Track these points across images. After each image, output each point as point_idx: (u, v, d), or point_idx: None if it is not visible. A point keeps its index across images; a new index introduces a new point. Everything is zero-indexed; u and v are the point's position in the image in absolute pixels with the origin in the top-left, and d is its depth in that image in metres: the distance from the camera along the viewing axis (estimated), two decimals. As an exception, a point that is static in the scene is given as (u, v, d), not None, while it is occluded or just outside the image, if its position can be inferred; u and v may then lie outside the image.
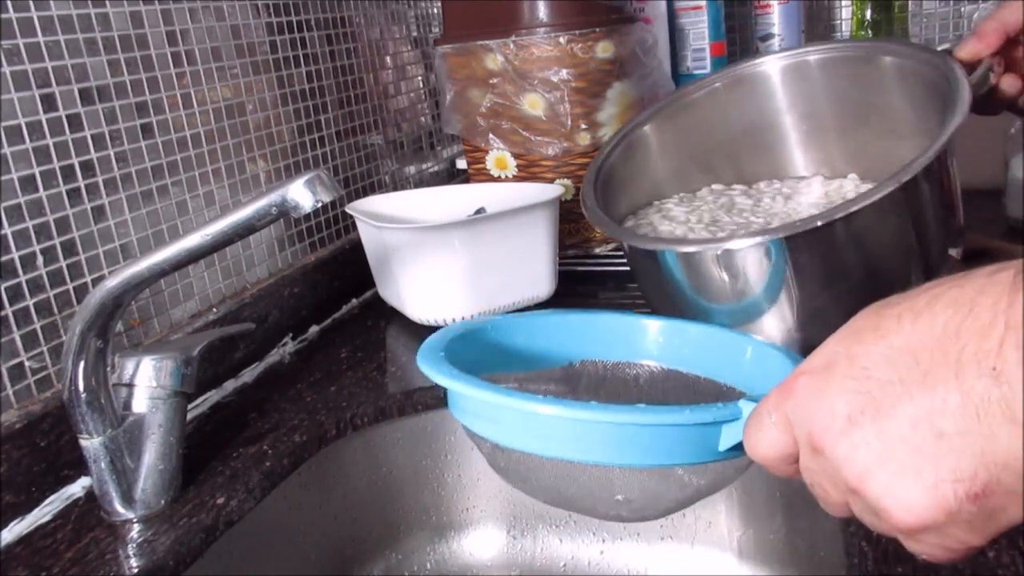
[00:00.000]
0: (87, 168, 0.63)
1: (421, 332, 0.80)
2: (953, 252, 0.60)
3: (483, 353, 0.48)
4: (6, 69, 0.57)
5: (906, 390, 0.26)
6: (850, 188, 0.71)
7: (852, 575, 0.45)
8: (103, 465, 0.53)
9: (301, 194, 0.49)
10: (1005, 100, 0.63)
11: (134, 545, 0.52)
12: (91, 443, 0.52)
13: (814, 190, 0.72)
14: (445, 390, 0.43)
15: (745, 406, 0.36)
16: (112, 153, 0.65)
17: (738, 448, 0.36)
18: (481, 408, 0.41)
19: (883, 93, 0.68)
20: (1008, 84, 0.62)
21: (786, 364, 0.43)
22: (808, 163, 0.78)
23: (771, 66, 0.75)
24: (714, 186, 0.78)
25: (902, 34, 1.10)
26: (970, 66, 0.59)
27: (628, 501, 0.40)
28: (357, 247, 0.87)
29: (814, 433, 0.29)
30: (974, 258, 0.80)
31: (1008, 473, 0.25)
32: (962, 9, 1.14)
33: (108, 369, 0.52)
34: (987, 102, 0.61)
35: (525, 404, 0.38)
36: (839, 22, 1.20)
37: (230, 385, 0.73)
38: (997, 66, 0.60)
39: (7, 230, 0.57)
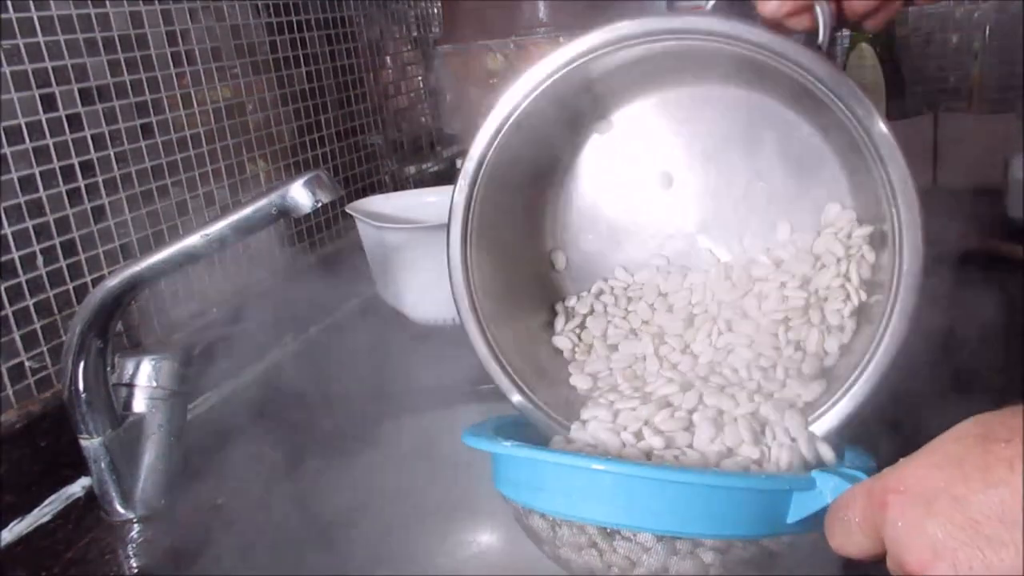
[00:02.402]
0: (87, 168, 0.63)
1: (421, 332, 0.80)
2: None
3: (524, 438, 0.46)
4: (6, 69, 0.57)
5: (1021, 556, 0.26)
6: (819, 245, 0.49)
7: (852, 575, 0.45)
8: (103, 465, 0.53)
9: (301, 194, 0.49)
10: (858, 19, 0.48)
11: (134, 545, 0.52)
12: (91, 443, 0.52)
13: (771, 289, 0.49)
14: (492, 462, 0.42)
15: (819, 477, 0.35)
16: (112, 153, 0.65)
17: (805, 523, 0.35)
18: (529, 475, 0.39)
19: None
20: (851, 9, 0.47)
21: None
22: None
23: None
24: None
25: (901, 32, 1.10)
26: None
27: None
28: (357, 247, 0.87)
29: (910, 564, 0.29)
30: (974, 258, 0.80)
31: None
32: (961, 9, 1.14)
33: (108, 369, 0.52)
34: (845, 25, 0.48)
35: (586, 463, 0.37)
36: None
37: (230, 385, 0.73)
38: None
39: (7, 230, 0.57)
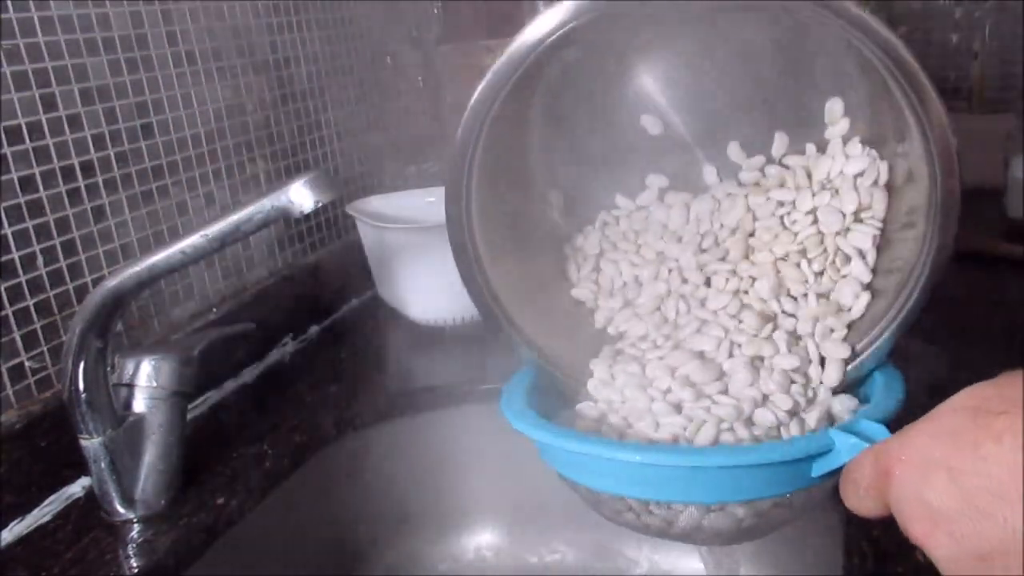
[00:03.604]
0: (87, 168, 0.63)
1: (421, 332, 0.80)
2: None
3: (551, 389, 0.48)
4: (6, 69, 0.57)
5: (1010, 528, 0.27)
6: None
7: (852, 575, 0.45)
8: (103, 465, 0.53)
9: (301, 194, 0.49)
10: None
11: (134, 545, 0.52)
12: (91, 443, 0.52)
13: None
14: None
15: (836, 436, 0.37)
16: (112, 153, 0.65)
17: (828, 476, 0.38)
18: (575, 459, 0.42)
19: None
20: None
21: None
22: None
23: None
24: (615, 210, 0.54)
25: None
26: None
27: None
28: (357, 247, 0.87)
29: (913, 529, 0.30)
30: (974, 258, 0.80)
31: None
32: (961, 9, 1.14)
33: (108, 369, 0.52)
34: None
35: (625, 454, 0.39)
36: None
37: (230, 385, 0.73)
38: None
39: (7, 230, 0.57)
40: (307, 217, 0.88)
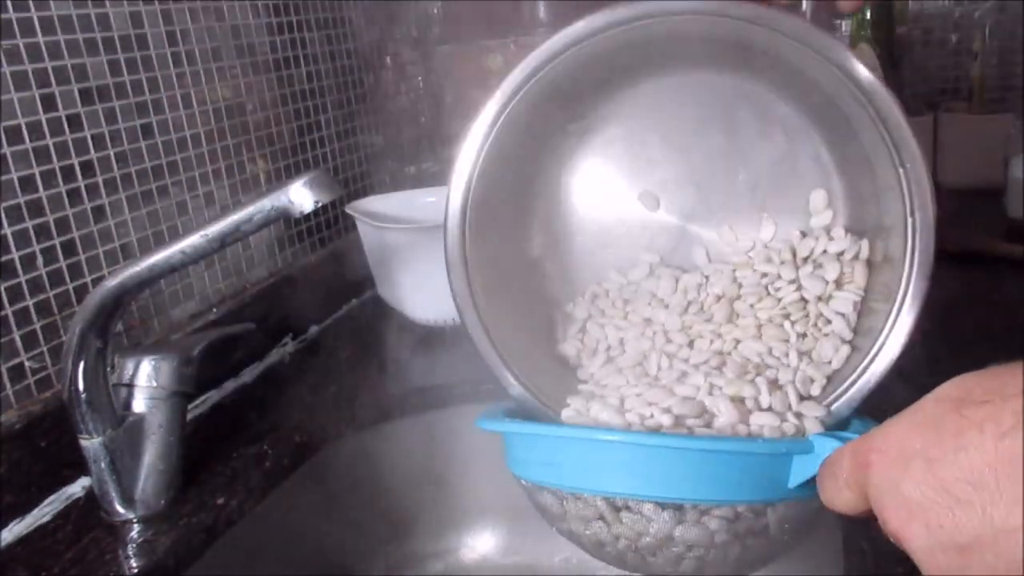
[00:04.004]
0: (87, 168, 0.63)
1: (421, 332, 0.80)
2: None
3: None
4: (6, 69, 0.57)
5: (989, 519, 0.26)
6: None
7: (852, 575, 0.45)
8: (103, 465, 0.53)
9: (301, 194, 0.49)
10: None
11: (134, 545, 0.52)
12: (91, 443, 0.52)
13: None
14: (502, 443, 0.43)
15: (817, 440, 0.36)
16: (112, 153, 0.65)
17: (807, 487, 0.36)
18: (544, 453, 0.41)
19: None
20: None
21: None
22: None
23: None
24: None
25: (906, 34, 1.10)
26: None
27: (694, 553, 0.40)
28: (357, 247, 0.87)
29: (890, 522, 0.30)
30: (974, 258, 0.80)
31: None
32: (961, 9, 1.14)
33: (108, 369, 0.52)
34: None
35: (606, 435, 0.39)
36: (838, 23, 1.20)
37: (230, 385, 0.73)
38: None
39: (7, 230, 0.57)
40: (307, 217, 0.88)
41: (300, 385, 0.72)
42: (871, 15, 1.05)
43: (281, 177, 0.84)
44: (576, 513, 0.41)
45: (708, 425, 0.43)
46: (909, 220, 0.43)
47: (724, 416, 0.42)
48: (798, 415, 0.43)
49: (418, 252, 0.76)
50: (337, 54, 0.94)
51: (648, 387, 0.46)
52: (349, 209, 0.85)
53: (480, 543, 0.73)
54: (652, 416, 0.43)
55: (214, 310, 0.74)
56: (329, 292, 0.88)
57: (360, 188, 0.98)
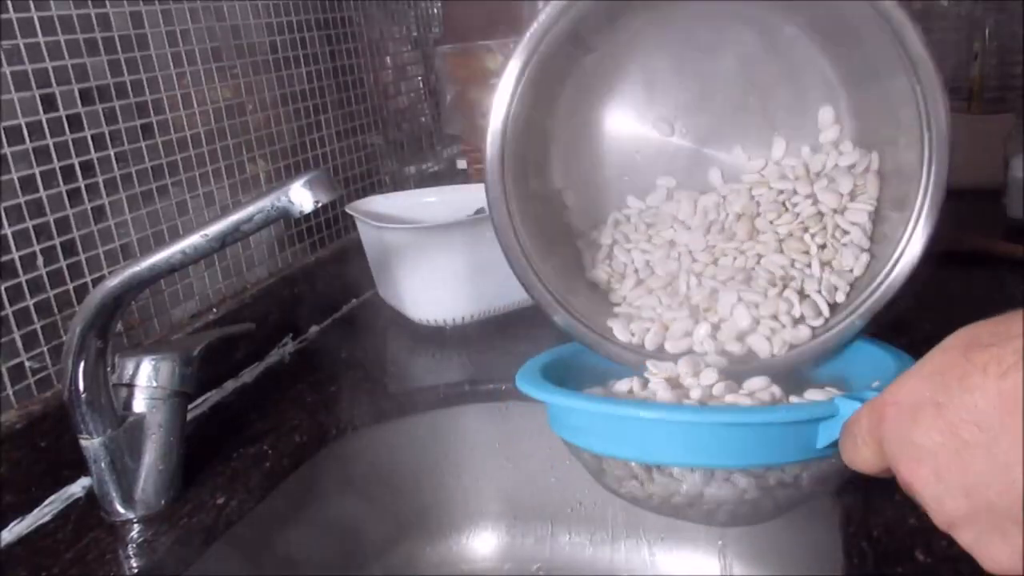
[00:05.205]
0: (87, 168, 0.63)
1: (421, 332, 0.80)
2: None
3: (573, 374, 0.50)
4: (6, 69, 0.57)
5: (992, 457, 0.26)
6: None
7: (852, 575, 0.45)
8: (103, 465, 0.53)
9: (301, 194, 0.49)
10: None
11: (134, 545, 0.52)
12: (91, 443, 0.52)
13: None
14: (537, 402, 0.44)
15: (841, 403, 0.37)
16: (112, 153, 0.65)
17: (833, 447, 0.37)
18: (580, 420, 0.42)
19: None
20: None
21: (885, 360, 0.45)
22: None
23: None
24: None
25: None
26: None
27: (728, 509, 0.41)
28: (357, 247, 0.87)
29: (902, 472, 0.30)
30: (974, 258, 0.80)
31: None
32: (961, 9, 1.14)
33: (108, 369, 0.52)
34: None
35: (625, 410, 0.40)
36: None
37: (230, 385, 0.73)
38: None
39: (7, 230, 0.57)
40: (307, 217, 0.88)
41: (300, 385, 0.72)
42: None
43: (281, 177, 0.84)
44: (612, 472, 0.43)
45: (741, 339, 0.46)
46: (926, 135, 0.45)
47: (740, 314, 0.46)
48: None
49: (418, 252, 0.76)
50: (337, 54, 0.94)
51: (680, 307, 0.49)
52: (349, 209, 0.85)
53: (480, 543, 0.73)
54: (698, 308, 0.47)
55: (214, 310, 0.74)
56: (329, 292, 0.88)
57: (360, 188, 0.98)
